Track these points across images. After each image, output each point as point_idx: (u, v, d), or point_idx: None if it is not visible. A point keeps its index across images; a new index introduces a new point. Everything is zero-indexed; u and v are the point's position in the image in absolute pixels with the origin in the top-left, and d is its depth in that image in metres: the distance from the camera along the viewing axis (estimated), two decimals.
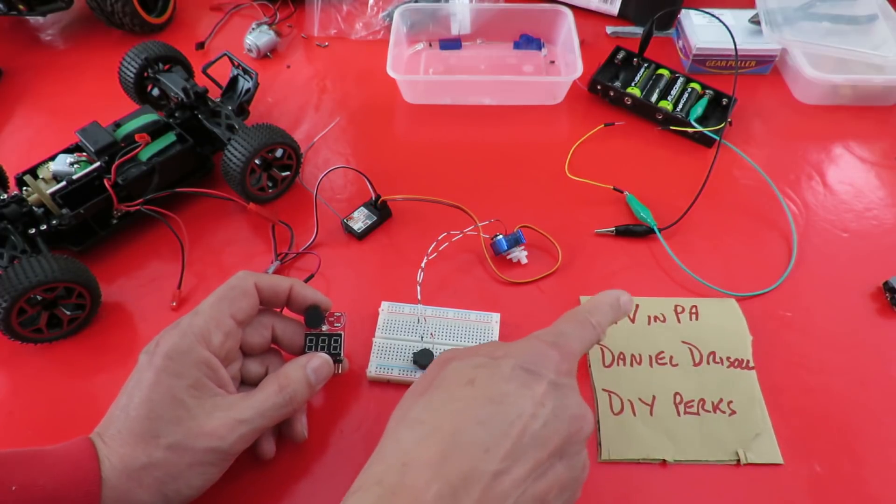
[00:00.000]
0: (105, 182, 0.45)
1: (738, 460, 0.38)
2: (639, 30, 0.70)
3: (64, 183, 0.45)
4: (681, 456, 0.38)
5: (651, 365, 0.43)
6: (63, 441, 0.32)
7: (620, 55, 0.63)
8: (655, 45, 0.66)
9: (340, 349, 0.39)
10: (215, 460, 0.33)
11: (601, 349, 0.43)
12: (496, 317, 0.44)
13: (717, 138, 0.55)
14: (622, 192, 0.53)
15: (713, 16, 0.60)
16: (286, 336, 0.39)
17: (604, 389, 0.41)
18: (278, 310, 0.40)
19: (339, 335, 0.39)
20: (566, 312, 0.35)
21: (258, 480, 0.37)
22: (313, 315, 0.39)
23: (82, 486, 0.30)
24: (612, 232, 0.50)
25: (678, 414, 0.40)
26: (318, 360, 0.37)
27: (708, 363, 0.43)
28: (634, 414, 0.40)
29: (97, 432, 0.32)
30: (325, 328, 0.39)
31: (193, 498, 0.33)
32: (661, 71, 0.61)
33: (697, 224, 0.51)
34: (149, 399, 0.32)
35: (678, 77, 0.61)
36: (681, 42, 0.67)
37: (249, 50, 0.67)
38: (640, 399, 0.41)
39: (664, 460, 0.38)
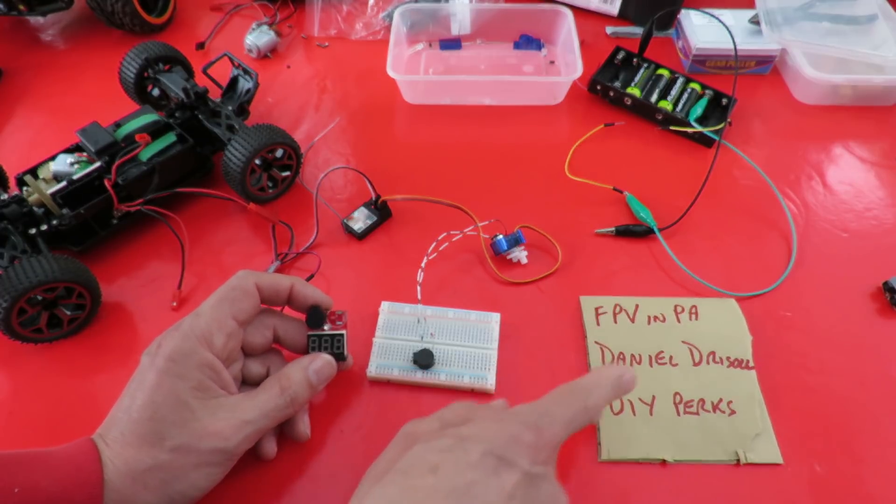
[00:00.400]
0: (105, 182, 0.45)
1: (738, 460, 0.38)
2: (639, 30, 0.70)
3: (64, 183, 0.45)
4: (681, 456, 0.38)
5: (651, 365, 0.43)
6: (63, 441, 0.32)
7: (620, 55, 0.63)
8: (655, 45, 0.67)
9: (344, 347, 0.39)
10: (220, 461, 0.33)
11: (601, 349, 0.43)
12: (496, 317, 0.44)
13: (717, 138, 0.55)
14: (622, 193, 0.53)
15: (713, 16, 0.60)
16: (288, 335, 0.39)
17: None
18: (279, 309, 0.40)
19: (342, 333, 0.39)
20: (561, 386, 0.32)
21: (259, 480, 0.37)
22: (315, 315, 0.39)
23: (84, 488, 0.30)
24: (612, 232, 0.50)
25: (678, 414, 0.40)
26: (320, 362, 0.37)
27: (708, 363, 0.43)
28: (634, 414, 0.40)
29: (99, 434, 0.32)
30: (327, 327, 0.39)
31: (197, 499, 0.33)
32: (660, 71, 0.61)
33: (697, 224, 0.51)
34: (152, 401, 0.32)
35: (678, 77, 0.61)
36: (681, 42, 0.67)
37: (249, 50, 0.67)
38: (639, 399, 0.41)
39: (664, 460, 0.38)
